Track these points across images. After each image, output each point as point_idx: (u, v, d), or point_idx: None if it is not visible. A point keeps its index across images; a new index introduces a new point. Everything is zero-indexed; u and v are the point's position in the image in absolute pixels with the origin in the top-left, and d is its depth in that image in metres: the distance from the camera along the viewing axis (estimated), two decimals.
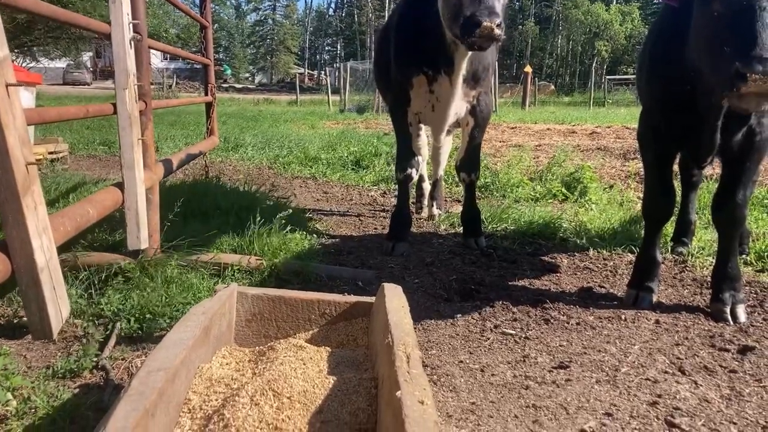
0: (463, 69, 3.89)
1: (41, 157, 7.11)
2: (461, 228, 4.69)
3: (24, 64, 20.47)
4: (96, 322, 2.85)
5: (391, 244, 4.29)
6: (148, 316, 2.84)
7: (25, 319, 2.59)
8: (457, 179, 5.14)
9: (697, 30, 2.73)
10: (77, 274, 3.12)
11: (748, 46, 2.32)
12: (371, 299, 2.34)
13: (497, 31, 3.13)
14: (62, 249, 2.76)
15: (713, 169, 6.03)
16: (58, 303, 1.93)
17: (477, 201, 4.68)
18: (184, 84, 53.36)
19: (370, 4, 64.99)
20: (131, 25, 2.93)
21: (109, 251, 3.44)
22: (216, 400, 1.70)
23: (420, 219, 5.38)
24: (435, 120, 4.24)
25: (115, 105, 2.89)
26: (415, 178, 4.43)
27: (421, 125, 4.42)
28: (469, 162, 4.43)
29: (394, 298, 2.11)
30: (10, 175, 1.77)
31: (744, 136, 3.02)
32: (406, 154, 4.34)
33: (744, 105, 2.45)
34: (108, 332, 2.76)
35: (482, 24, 3.10)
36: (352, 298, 2.37)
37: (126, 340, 2.72)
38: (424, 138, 4.60)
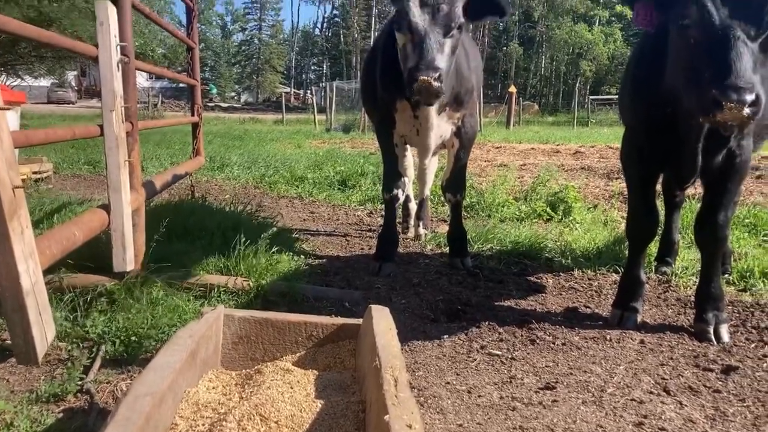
0: None
1: (25, 176, 7.06)
2: (447, 248, 4.71)
3: (8, 83, 20.37)
4: (81, 344, 2.83)
5: (378, 265, 4.30)
6: (133, 338, 2.83)
7: (8, 342, 2.57)
8: (443, 199, 5.17)
9: (674, 55, 2.79)
10: (62, 296, 3.10)
11: (723, 74, 2.37)
12: (358, 321, 2.34)
13: (435, 85, 3.18)
14: (47, 270, 2.75)
15: (695, 189, 6.11)
16: (44, 327, 1.92)
17: (463, 221, 4.71)
18: (169, 103, 53.32)
19: (356, 24, 65.51)
20: (119, 47, 2.94)
21: (94, 272, 3.41)
22: (203, 425, 1.69)
23: (406, 239, 5.39)
24: (420, 143, 4.28)
25: (101, 126, 2.89)
26: (402, 198, 4.45)
27: (407, 146, 4.45)
28: (454, 183, 4.46)
29: (382, 320, 2.12)
30: None
31: (724, 159, 3.07)
32: (392, 174, 4.37)
33: (719, 128, 2.51)
34: (93, 355, 2.74)
35: (419, 79, 3.18)
36: (339, 320, 2.38)
37: (111, 363, 2.70)
38: (410, 158, 4.62)
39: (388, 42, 4.05)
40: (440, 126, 4.17)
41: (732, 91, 2.32)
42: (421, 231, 5.45)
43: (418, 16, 3.41)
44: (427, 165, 5.08)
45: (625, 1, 2.93)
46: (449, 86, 3.70)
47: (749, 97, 2.31)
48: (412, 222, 5.56)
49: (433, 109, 3.99)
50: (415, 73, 3.21)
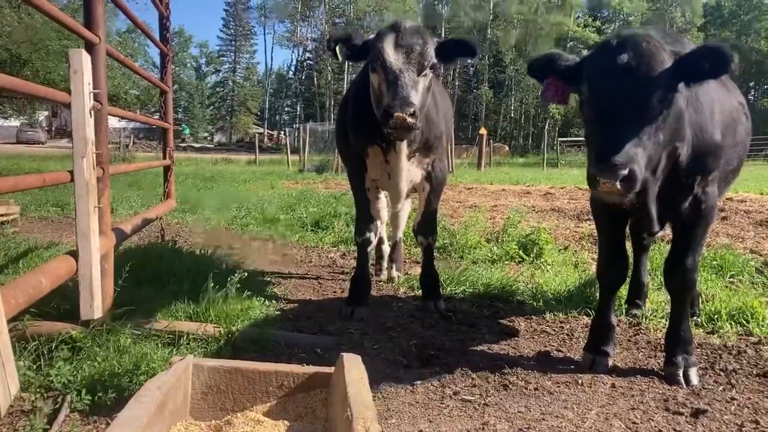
0: (404, 144, 4.04)
1: None
2: (420, 290, 4.71)
3: None
4: (45, 395, 2.75)
5: (351, 309, 4.28)
6: (99, 387, 2.75)
7: None
8: (415, 242, 5.21)
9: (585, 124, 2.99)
10: (26, 345, 3.02)
11: (602, 152, 2.56)
12: (330, 370, 2.33)
13: (410, 120, 3.32)
14: (11, 319, 2.68)
15: (663, 232, 6.22)
16: (7, 381, 1.87)
17: (435, 262, 4.73)
18: (141, 143, 53.05)
19: (329, 67, 66.36)
20: (92, 94, 2.94)
21: (60, 319, 3.34)
22: None
23: (380, 281, 5.39)
24: (391, 187, 4.34)
25: (72, 172, 2.87)
26: (374, 242, 4.47)
27: (380, 190, 4.50)
28: (426, 226, 4.50)
29: (353, 369, 2.11)
30: None
31: (690, 205, 3.16)
32: (364, 218, 4.40)
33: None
34: (57, 406, 2.66)
35: (394, 115, 3.31)
36: (311, 369, 2.35)
37: (76, 413, 2.63)
38: (383, 201, 4.67)
39: (358, 90, 4.14)
40: (410, 171, 4.24)
41: (605, 169, 2.49)
42: (395, 273, 5.46)
43: (392, 56, 3.53)
44: (400, 208, 5.12)
45: (536, 77, 3.07)
46: (419, 131, 3.78)
47: (622, 173, 2.48)
48: (385, 264, 5.57)
49: (403, 155, 4.07)
50: (390, 110, 3.32)
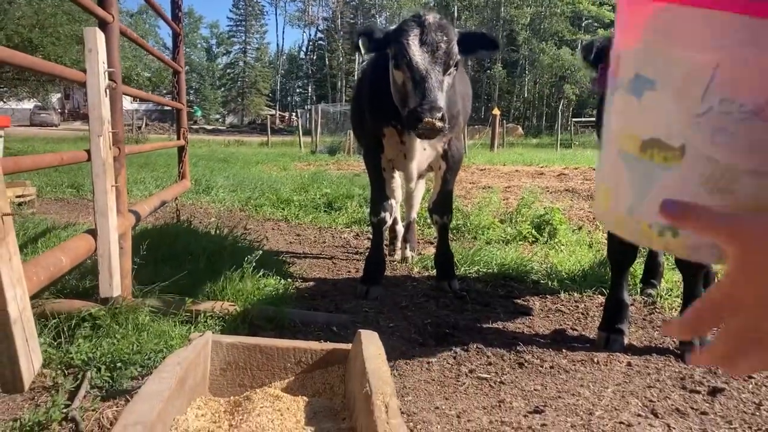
0: None
1: (9, 200, 6.98)
2: (434, 270, 4.72)
3: None
4: (65, 371, 2.79)
5: (366, 288, 4.30)
6: (119, 364, 2.79)
7: None
8: (429, 221, 5.21)
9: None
10: (46, 322, 3.06)
11: None
12: (347, 346, 2.34)
13: (438, 124, 3.34)
14: (31, 296, 2.71)
15: None
16: (31, 356, 1.90)
17: (450, 243, 4.72)
18: (154, 125, 53.31)
19: (340, 48, 66.05)
20: (106, 73, 2.94)
21: (79, 297, 3.38)
22: None
23: (393, 261, 5.40)
24: (407, 167, 4.33)
25: (89, 151, 2.89)
26: (389, 222, 4.47)
27: (395, 170, 4.49)
28: (441, 205, 4.49)
29: (371, 345, 2.12)
30: None
31: None
32: (379, 198, 4.39)
33: None
34: (78, 382, 2.70)
35: (423, 120, 3.32)
36: (328, 346, 2.37)
37: (97, 389, 2.67)
38: (398, 181, 4.67)
39: (375, 71, 4.12)
40: (426, 150, 4.23)
41: None
42: (408, 253, 5.47)
43: (418, 55, 3.50)
44: (414, 188, 5.12)
45: (589, 65, 3.01)
46: None
47: None
48: (399, 244, 5.57)
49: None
50: (420, 114, 3.33)
